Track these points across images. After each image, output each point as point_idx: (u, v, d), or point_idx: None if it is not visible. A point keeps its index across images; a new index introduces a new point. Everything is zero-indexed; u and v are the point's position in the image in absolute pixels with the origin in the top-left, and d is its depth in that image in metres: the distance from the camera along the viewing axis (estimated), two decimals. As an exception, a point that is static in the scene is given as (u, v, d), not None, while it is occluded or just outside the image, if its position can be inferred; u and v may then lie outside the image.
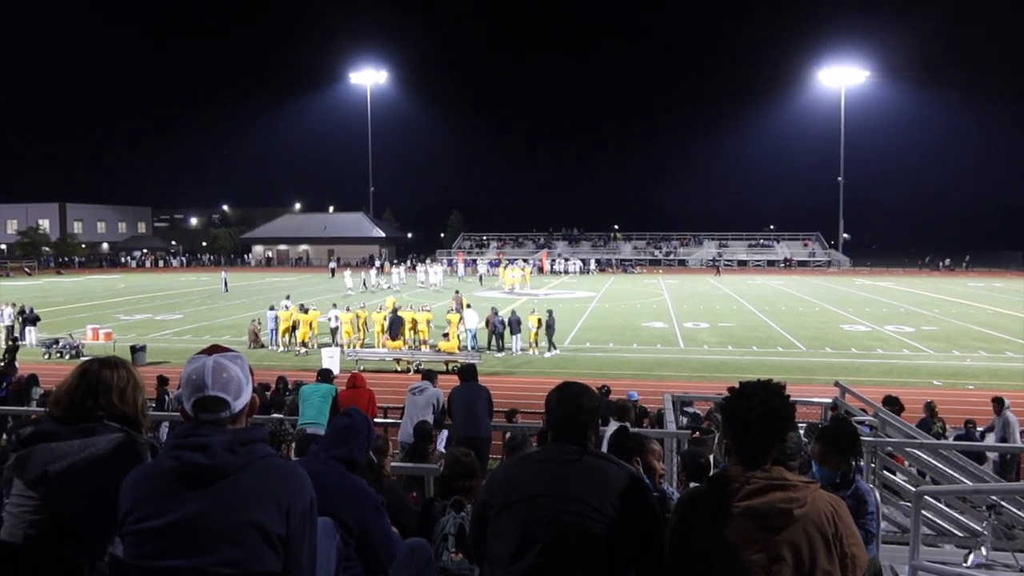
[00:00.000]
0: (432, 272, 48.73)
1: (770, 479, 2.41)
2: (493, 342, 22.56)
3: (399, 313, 23.14)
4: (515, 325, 22.51)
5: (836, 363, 20.63)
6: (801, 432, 5.55)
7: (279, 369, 20.21)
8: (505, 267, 61.20)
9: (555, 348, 22.47)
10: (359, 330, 23.05)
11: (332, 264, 66.88)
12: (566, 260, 70.82)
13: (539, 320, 22.51)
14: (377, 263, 66.76)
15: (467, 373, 9.02)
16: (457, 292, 29.58)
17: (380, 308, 23.42)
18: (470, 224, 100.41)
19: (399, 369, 20.23)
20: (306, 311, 23.88)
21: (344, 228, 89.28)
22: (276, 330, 23.46)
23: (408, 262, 65.55)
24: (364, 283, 46.54)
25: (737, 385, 2.51)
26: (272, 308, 24.32)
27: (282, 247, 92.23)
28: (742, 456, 2.47)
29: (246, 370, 2.47)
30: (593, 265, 69.80)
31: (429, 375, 9.47)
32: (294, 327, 23.45)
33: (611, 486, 2.54)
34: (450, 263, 69.29)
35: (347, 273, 45.27)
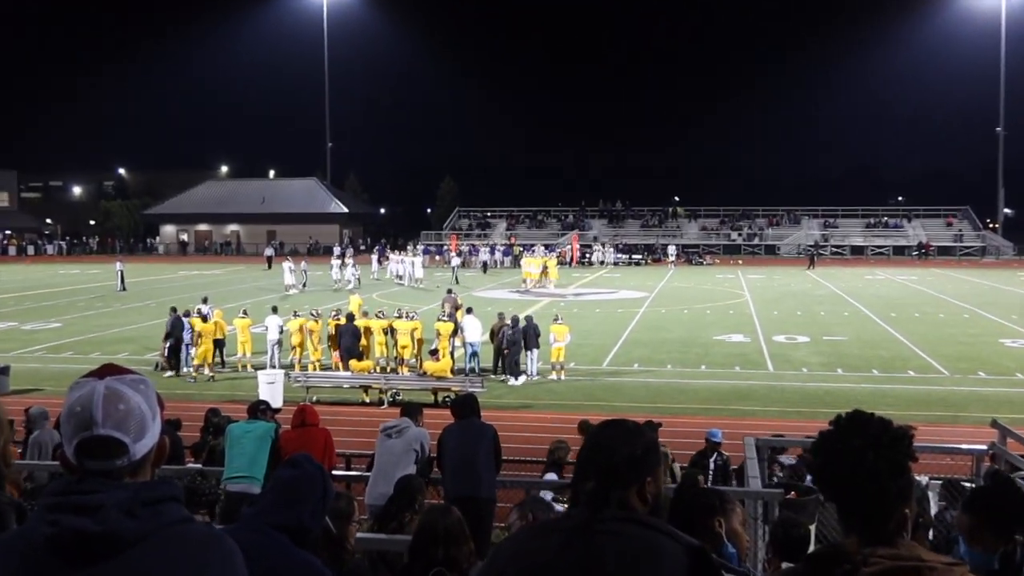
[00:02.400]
0: (413, 263, 49.09)
1: (898, 559, 2.40)
2: (501, 362, 22.85)
3: (367, 322, 23.34)
4: (532, 338, 22.67)
5: (993, 394, 20.68)
6: (937, 491, 5.53)
7: (202, 400, 20.41)
8: (519, 256, 62.21)
9: (524, 372, 22.58)
10: (312, 346, 23.27)
11: (268, 250, 67.85)
12: (604, 246, 71.33)
13: (566, 331, 22.68)
14: (337, 250, 67.23)
15: (464, 407, 9.05)
16: (450, 292, 29.74)
17: (335, 314, 23.64)
18: (469, 196, 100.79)
19: (367, 400, 20.45)
20: (229, 317, 24.07)
21: (290, 200, 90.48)
22: (190, 345, 23.78)
23: (380, 248, 66.07)
24: (336, 277, 47.22)
25: (836, 419, 2.51)
26: (186, 314, 24.54)
27: (202, 227, 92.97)
28: (854, 524, 2.47)
29: (152, 400, 2.47)
30: (643, 253, 70.47)
31: (410, 409, 9.50)
32: (216, 344, 23.82)
33: (663, 568, 2.54)
34: (439, 250, 69.90)
35: (287, 265, 45.55)
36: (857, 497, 2.43)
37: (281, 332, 23.66)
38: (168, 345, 23.75)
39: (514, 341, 22.36)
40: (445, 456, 8.75)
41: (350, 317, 23.01)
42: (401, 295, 42.95)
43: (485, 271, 59.00)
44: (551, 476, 10.34)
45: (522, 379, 22.20)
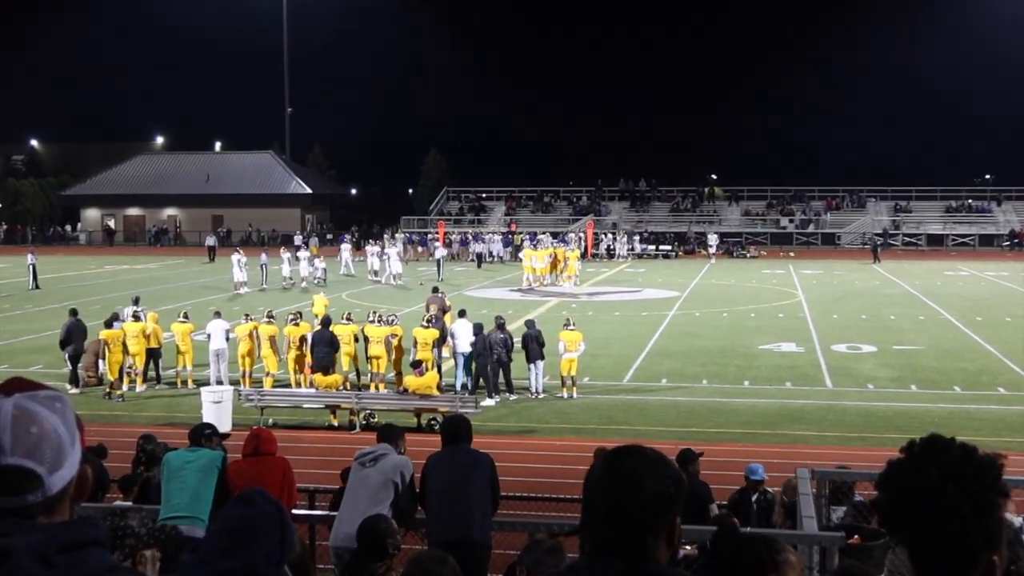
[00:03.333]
0: (389, 256, 49.18)
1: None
2: (500, 377, 22.83)
3: (334, 327, 23.35)
4: (535, 348, 22.72)
5: (1100, 416, 20.89)
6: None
7: (133, 423, 20.43)
8: (520, 246, 62.37)
9: (511, 390, 22.78)
10: (270, 355, 23.26)
11: (210, 239, 67.91)
12: (626, 235, 71.60)
13: (578, 339, 22.71)
14: (299, 238, 67.26)
15: (454, 431, 9.06)
16: (437, 290, 29.73)
17: (292, 319, 23.62)
18: (459, 173, 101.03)
19: (334, 424, 20.50)
20: (166, 321, 24.07)
21: (241, 179, 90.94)
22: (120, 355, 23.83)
23: (351, 237, 66.12)
24: (286, 274, 47.36)
25: (908, 446, 2.52)
26: (116, 319, 24.55)
27: (133, 211, 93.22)
28: (931, 574, 2.47)
29: (71, 421, 2.47)
30: (672, 243, 70.65)
31: (389, 433, 9.50)
32: (150, 355, 23.89)
33: None
34: (423, 240, 70.08)
35: (236, 259, 45.72)
36: (934, 541, 2.43)
37: (228, 340, 23.74)
38: (67, 355, 23.82)
39: (479, 352, 22.43)
40: (430, 491, 8.74)
41: (326, 322, 23.01)
42: (376, 295, 43.00)
43: (480, 265, 59.08)
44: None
45: (492, 401, 22.04)
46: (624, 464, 2.73)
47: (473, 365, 22.87)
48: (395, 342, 22.85)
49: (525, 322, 23.95)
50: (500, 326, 22.90)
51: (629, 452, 2.77)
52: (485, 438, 17.46)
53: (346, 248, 54.90)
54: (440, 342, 23.29)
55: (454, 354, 23.25)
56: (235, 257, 45.16)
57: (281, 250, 49.04)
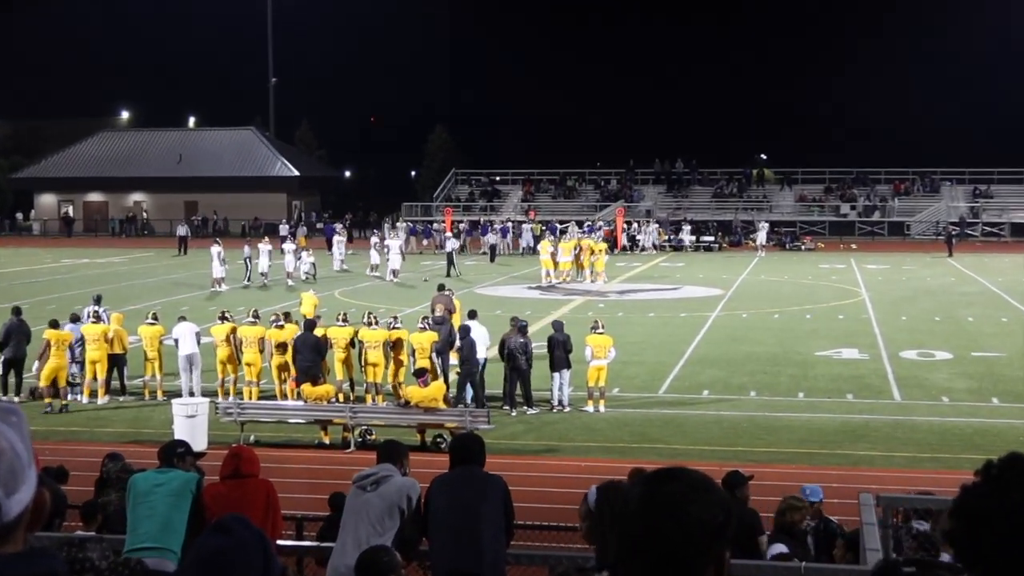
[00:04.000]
0: (388, 248, 49.19)
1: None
2: (517, 387, 22.91)
3: (327, 330, 23.44)
4: (561, 355, 22.72)
5: None
6: None
7: (94, 440, 20.50)
8: (540, 237, 61.48)
9: (564, 402, 22.84)
10: (249, 363, 23.33)
11: (181, 229, 68.02)
12: (655, 223, 71.92)
13: (608, 344, 22.67)
14: (285, 228, 67.36)
15: (464, 451, 9.04)
16: (443, 288, 29.74)
17: (276, 321, 23.61)
18: (470, 153, 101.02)
19: (325, 442, 20.55)
20: (132, 324, 24.13)
21: (218, 160, 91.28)
22: (78, 363, 23.99)
23: (343, 227, 66.21)
24: (288, 270, 47.41)
25: (986, 468, 2.53)
26: (76, 320, 24.62)
27: (94, 197, 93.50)
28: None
29: (27, 438, 2.48)
30: (716, 233, 70.54)
31: (391, 452, 9.48)
32: (114, 363, 23.93)
33: None
34: (427, 230, 70.21)
35: (216, 251, 45.85)
36: (1016, 575, 2.43)
37: (199, 343, 23.78)
38: (4, 358, 23.97)
39: (465, 359, 22.48)
40: (435, 519, 8.75)
41: (309, 325, 23.04)
42: (375, 293, 43.06)
43: (493, 259, 59.02)
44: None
45: (531, 411, 22.38)
46: (665, 489, 2.70)
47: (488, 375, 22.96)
48: (401, 349, 22.92)
49: (552, 324, 23.94)
50: (520, 329, 22.89)
51: (671, 475, 2.74)
52: (499, 458, 17.45)
53: (339, 241, 54.71)
54: (447, 347, 23.36)
55: (462, 362, 23.23)
56: (214, 249, 45.19)
57: (261, 242, 48.67)
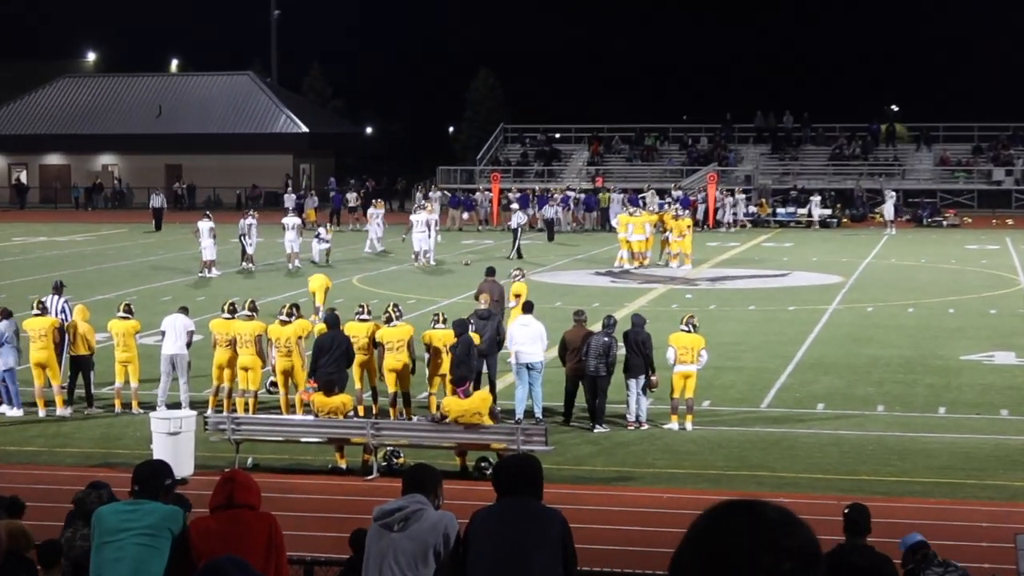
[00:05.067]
0: (427, 224, 49.02)
1: None
2: (591, 400, 22.94)
3: (345, 327, 23.47)
4: (637, 358, 22.75)
5: None
6: None
7: (53, 463, 20.60)
8: (608, 209, 62.54)
9: (642, 419, 22.76)
10: (246, 367, 23.34)
11: (156, 200, 68.52)
12: (759, 196, 71.83)
13: (698, 345, 22.50)
14: (292, 200, 67.45)
15: (515, 478, 8.96)
16: (492, 273, 29.41)
17: (284, 316, 23.54)
18: (522, 105, 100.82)
19: (342, 466, 20.54)
20: (101, 317, 24.26)
21: (207, 114, 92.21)
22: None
23: (357, 195, 66.25)
24: (291, 251, 47.17)
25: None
26: (44, 311, 24.65)
27: (53, 159, 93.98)
28: None
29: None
30: (833, 205, 69.59)
31: (421, 479, 9.42)
32: (78, 366, 24.05)
33: None
34: (467, 201, 70.66)
35: (205, 227, 45.88)
36: None
37: (190, 344, 23.86)
38: None
39: (460, 360, 22.27)
40: (478, 563, 8.73)
41: (332, 320, 23.02)
42: (401, 280, 43.18)
43: (552, 236, 58.89)
44: None
45: (600, 428, 22.40)
46: (727, 526, 2.76)
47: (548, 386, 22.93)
48: (433, 350, 22.95)
49: (632, 318, 23.83)
50: (607, 326, 22.97)
51: (738, 509, 2.80)
52: (559, 487, 17.42)
53: (377, 214, 53.96)
54: (495, 348, 23.43)
55: (515, 366, 23.31)
56: (203, 225, 45.32)
57: (245, 217, 48.20)
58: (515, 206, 56.78)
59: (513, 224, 53.41)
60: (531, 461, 9.29)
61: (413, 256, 48.43)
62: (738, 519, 2.78)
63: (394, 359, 22.83)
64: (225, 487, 9.67)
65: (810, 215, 67.31)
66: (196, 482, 11.76)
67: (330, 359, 22.11)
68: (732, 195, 68.32)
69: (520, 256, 48.79)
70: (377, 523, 9.21)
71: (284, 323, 23.36)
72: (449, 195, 69.86)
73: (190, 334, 23.99)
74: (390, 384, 22.96)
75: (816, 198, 68.90)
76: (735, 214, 67.05)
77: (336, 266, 46.82)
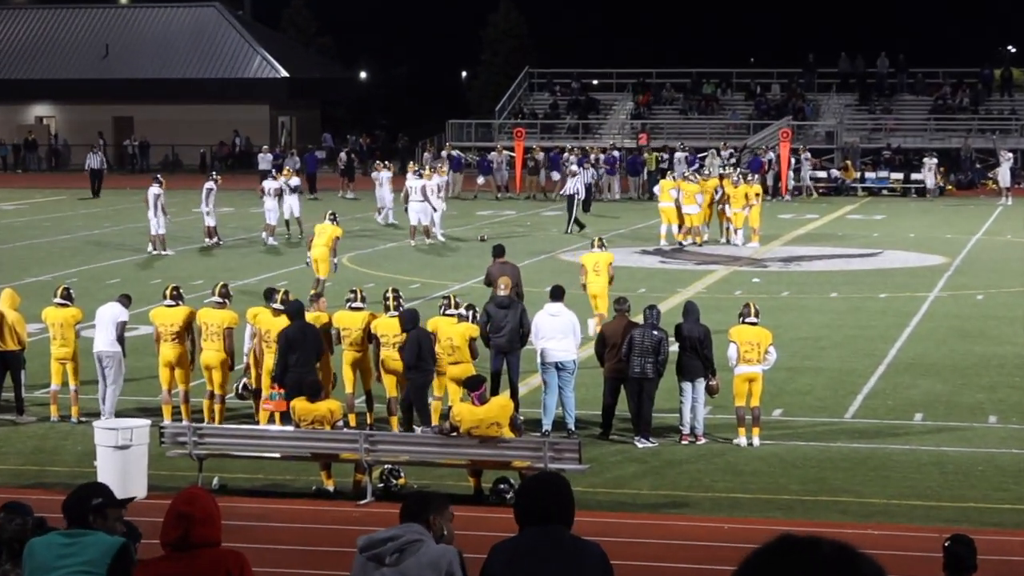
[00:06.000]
0: (426, 188, 49.02)
1: None
2: (634, 410, 22.85)
3: (330, 318, 23.63)
4: (693, 359, 22.67)
5: None
6: None
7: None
8: (655, 172, 62.26)
9: (699, 429, 22.61)
10: (208, 364, 23.38)
11: (94, 159, 68.56)
12: (843, 157, 71.91)
13: (762, 341, 22.41)
14: (268, 160, 67.50)
15: (541, 503, 8.93)
16: (501, 252, 29.51)
17: (272, 301, 23.58)
18: (551, 44, 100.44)
19: (329, 488, 20.56)
20: (33, 305, 24.32)
21: (165, 55, 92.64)
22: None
23: (351, 154, 66.04)
24: (271, 221, 46.85)
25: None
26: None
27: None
28: None
29: None
30: (934, 168, 69.11)
31: (419, 506, 9.41)
32: (4, 363, 24.02)
33: None
34: (482, 162, 70.53)
35: (154, 193, 45.66)
36: None
37: (122, 339, 23.84)
38: None
39: (411, 364, 22.19)
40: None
41: (294, 309, 23.04)
42: (401, 259, 43.20)
43: (588, 206, 58.84)
44: None
45: (643, 443, 22.35)
46: (778, 566, 2.88)
47: (568, 390, 22.94)
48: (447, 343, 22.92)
49: (684, 307, 23.74)
50: (651, 322, 22.83)
51: (791, 546, 2.91)
52: (596, 516, 17.41)
53: (385, 178, 54.11)
54: (518, 343, 23.49)
55: (541, 365, 23.32)
56: (153, 191, 45.34)
57: (207, 181, 48.30)
58: (574, 167, 56.63)
59: (569, 189, 53.30)
60: (561, 482, 9.24)
61: (410, 233, 48.31)
62: (790, 559, 2.88)
63: (392, 356, 22.80)
64: (179, 523, 9.56)
65: (907, 181, 67.16)
66: (149, 507, 11.72)
67: (302, 357, 22.17)
68: (796, 156, 68.21)
69: (581, 227, 49.15)
70: (363, 555, 9.20)
71: (278, 312, 23.32)
72: (458, 155, 69.63)
73: (121, 326, 23.88)
74: (389, 388, 22.98)
75: (931, 161, 68.12)
76: (879, 179, 67.30)
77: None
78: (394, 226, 52.45)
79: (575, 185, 52.65)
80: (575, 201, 51.83)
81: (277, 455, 20.95)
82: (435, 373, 22.89)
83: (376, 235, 50.04)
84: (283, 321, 22.88)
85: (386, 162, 58.00)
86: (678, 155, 65.37)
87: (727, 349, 22.61)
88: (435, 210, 48.74)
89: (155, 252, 44.55)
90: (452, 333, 22.78)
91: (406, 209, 48.87)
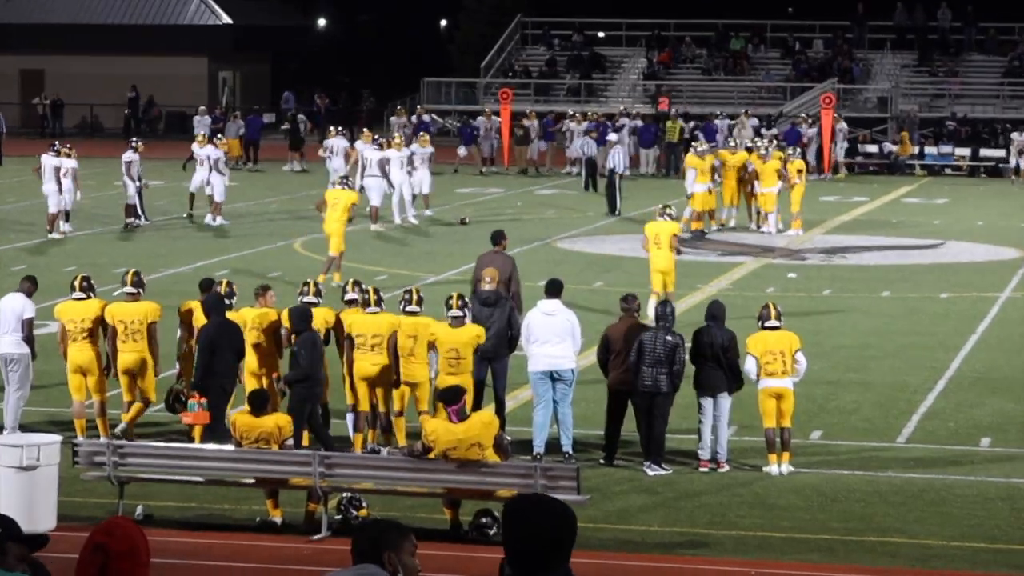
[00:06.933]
0: (381, 156, 48.89)
1: None
2: (640, 429, 22.79)
3: (279, 314, 23.49)
4: (715, 370, 22.71)
5: None
6: None
7: None
8: (678, 144, 62.66)
9: (724, 452, 22.72)
10: (128, 367, 23.36)
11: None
12: (898, 128, 71.77)
13: (789, 347, 22.35)
14: (206, 123, 67.52)
15: (531, 538, 8.89)
16: (501, 239, 29.51)
17: (258, 294, 23.56)
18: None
19: (275, 520, 20.41)
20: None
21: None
22: None
23: (292, 121, 65.94)
24: (218, 198, 46.75)
25: None
26: None
27: None
28: None
29: None
30: (1003, 146, 68.85)
31: (374, 540, 9.34)
32: None
33: None
34: (464, 129, 70.36)
35: (48, 163, 45.27)
36: None
37: (30, 339, 23.85)
38: None
39: (302, 375, 22.18)
40: None
41: (216, 303, 23.05)
42: (366, 245, 43.25)
43: (592, 184, 58.82)
44: None
45: (653, 471, 22.32)
46: None
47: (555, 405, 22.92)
48: (409, 344, 22.91)
49: (708, 309, 23.74)
50: (664, 324, 22.84)
51: None
52: (598, 556, 17.47)
53: (336, 145, 54.33)
54: (505, 347, 23.50)
55: (535, 376, 23.27)
56: (48, 161, 45.44)
57: (127, 149, 48.36)
58: (612, 137, 56.35)
59: (611, 163, 53.05)
60: (556, 511, 9.17)
61: (371, 214, 47.94)
62: None
63: (370, 362, 22.85)
64: (95, 557, 9.62)
65: (975, 158, 67.23)
66: (59, 540, 11.69)
67: (221, 359, 22.28)
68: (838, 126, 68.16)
69: (615, 212, 49.65)
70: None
71: (265, 303, 23.48)
72: (429, 120, 69.52)
73: (28, 324, 23.89)
74: (361, 399, 22.99)
75: (1021, 138, 67.14)
76: (942, 155, 67.47)
77: (255, 223, 46.80)
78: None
79: (614, 157, 52.62)
80: (616, 179, 51.92)
81: (212, 480, 20.98)
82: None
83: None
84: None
85: (339, 128, 57.92)
86: (719, 123, 65.48)
87: (746, 360, 22.55)
88: (392, 188, 48.54)
89: (52, 234, 44.73)
90: (455, 342, 22.68)
91: (361, 188, 48.56)
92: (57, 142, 49.26)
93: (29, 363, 23.85)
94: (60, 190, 45.01)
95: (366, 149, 49.89)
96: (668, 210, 31.27)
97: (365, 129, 57.19)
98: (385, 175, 47.68)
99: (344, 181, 38.21)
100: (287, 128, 67.97)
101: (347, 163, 53.44)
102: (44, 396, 25.26)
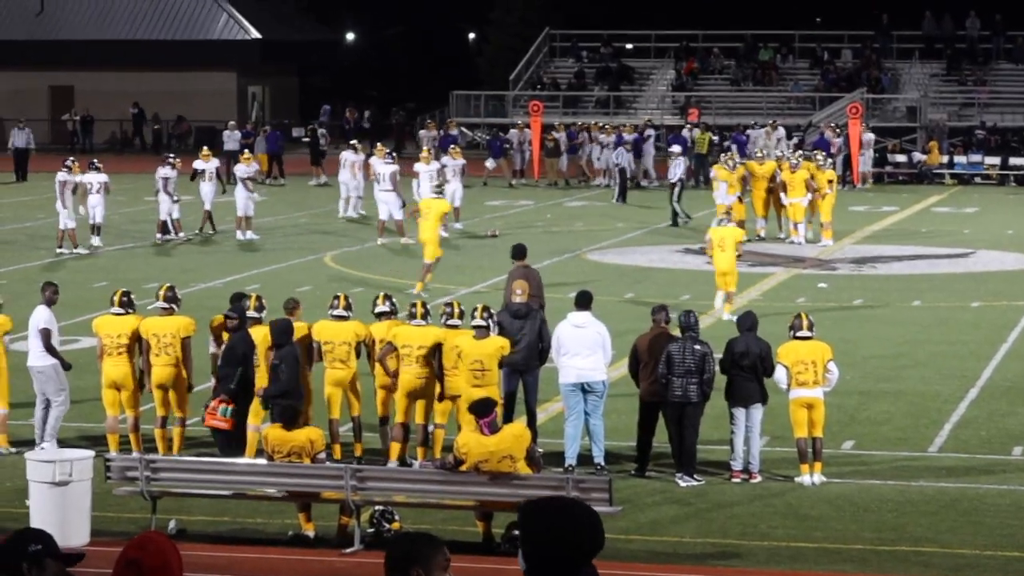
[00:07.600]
0: (435, 175, 48.91)
1: None
2: (672, 441, 22.70)
3: (317, 327, 23.65)
4: (749, 380, 22.62)
5: None
6: None
7: None
8: (707, 155, 62.43)
9: (752, 463, 22.67)
10: (159, 381, 23.30)
11: (20, 136, 69.51)
12: (927, 137, 71.40)
13: (820, 357, 22.26)
14: (236, 138, 67.56)
15: (560, 550, 8.82)
16: (523, 255, 29.45)
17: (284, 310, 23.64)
18: (573, 3, 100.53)
19: (308, 534, 20.28)
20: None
21: (111, 12, 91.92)
22: None
23: (312, 135, 66.08)
24: (242, 213, 46.86)
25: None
26: None
27: None
28: None
29: None
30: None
31: (406, 555, 9.29)
32: None
33: None
34: (494, 142, 70.53)
35: (61, 179, 46.00)
36: None
37: (52, 350, 23.81)
38: None
39: (278, 392, 22.07)
40: None
41: (241, 312, 23.08)
42: (393, 258, 43.31)
43: (623, 194, 58.75)
44: None
45: (686, 482, 22.27)
46: None
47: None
48: (453, 358, 22.87)
49: (738, 320, 23.65)
50: (691, 333, 22.78)
51: None
52: (630, 568, 17.44)
53: (349, 160, 54.44)
54: (535, 360, 23.46)
55: (566, 388, 23.23)
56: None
57: (163, 165, 48.38)
58: (676, 148, 56.17)
59: (673, 176, 53.18)
60: (584, 524, 9.10)
61: (378, 227, 48.00)
62: None
63: (415, 374, 22.81)
64: (127, 573, 9.63)
65: (1004, 167, 67.00)
66: (92, 555, 11.64)
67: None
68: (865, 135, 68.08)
69: (674, 221, 50.09)
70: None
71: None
72: (456, 134, 69.15)
73: (43, 334, 23.83)
74: (400, 410, 22.99)
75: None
76: (972, 164, 67.25)
77: (284, 238, 46.82)
78: (350, 219, 53.02)
79: (675, 170, 52.68)
80: (677, 189, 51.97)
81: (239, 494, 21.01)
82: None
83: (364, 229, 50.01)
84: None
85: (354, 142, 57.78)
86: (753, 133, 65.47)
87: (777, 371, 22.47)
88: (403, 202, 48.14)
89: (64, 251, 44.84)
90: (480, 353, 22.55)
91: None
92: (71, 158, 49.12)
93: (57, 373, 23.73)
94: (64, 204, 45.06)
95: (378, 164, 49.89)
96: (728, 215, 32.08)
97: (379, 144, 57.14)
98: (395, 189, 47.73)
99: (439, 190, 38.53)
100: (307, 141, 68.04)
101: (355, 176, 53.92)
102: (77, 411, 25.09)
